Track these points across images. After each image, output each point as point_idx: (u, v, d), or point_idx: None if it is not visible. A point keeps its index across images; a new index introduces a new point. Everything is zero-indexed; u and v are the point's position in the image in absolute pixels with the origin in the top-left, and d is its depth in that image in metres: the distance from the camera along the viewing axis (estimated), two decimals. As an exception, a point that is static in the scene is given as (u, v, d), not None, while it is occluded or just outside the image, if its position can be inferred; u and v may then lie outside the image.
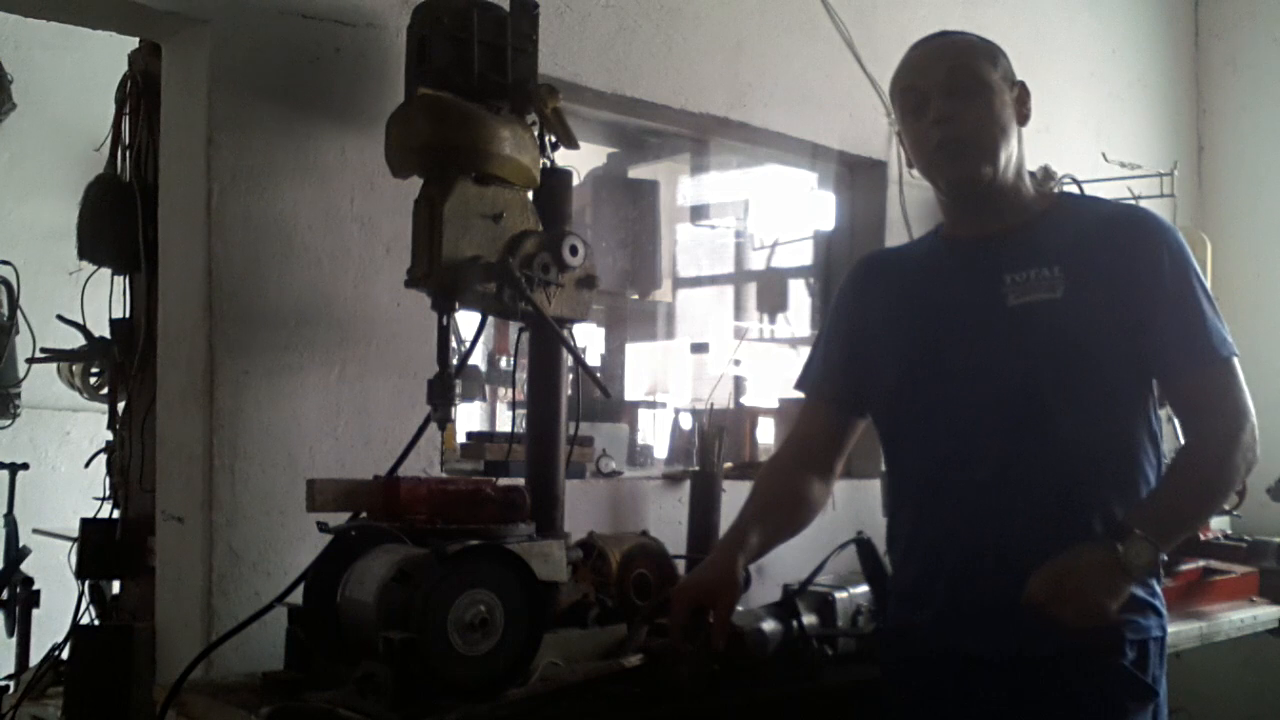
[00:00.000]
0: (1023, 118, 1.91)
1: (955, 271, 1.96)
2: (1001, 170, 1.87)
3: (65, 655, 2.42)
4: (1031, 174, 2.00)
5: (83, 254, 2.46)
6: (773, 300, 4.34)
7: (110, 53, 2.64)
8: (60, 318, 2.63)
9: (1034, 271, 1.85)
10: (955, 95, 1.85)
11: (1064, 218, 1.93)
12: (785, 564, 2.17)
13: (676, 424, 3.65)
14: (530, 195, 2.05)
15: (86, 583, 2.53)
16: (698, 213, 4.45)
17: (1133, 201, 3.69)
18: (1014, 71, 1.92)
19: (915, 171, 1.97)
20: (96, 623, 2.50)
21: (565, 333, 2.14)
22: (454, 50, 2.00)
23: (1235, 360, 1.84)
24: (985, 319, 1.88)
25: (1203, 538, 3.37)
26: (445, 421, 2.00)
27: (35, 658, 2.94)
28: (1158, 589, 1.89)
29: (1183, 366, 1.84)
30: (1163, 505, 1.81)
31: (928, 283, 1.99)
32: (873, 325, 2.04)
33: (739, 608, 1.95)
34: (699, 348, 4.55)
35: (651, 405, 4.21)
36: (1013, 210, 1.92)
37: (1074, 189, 3.56)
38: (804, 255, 3.99)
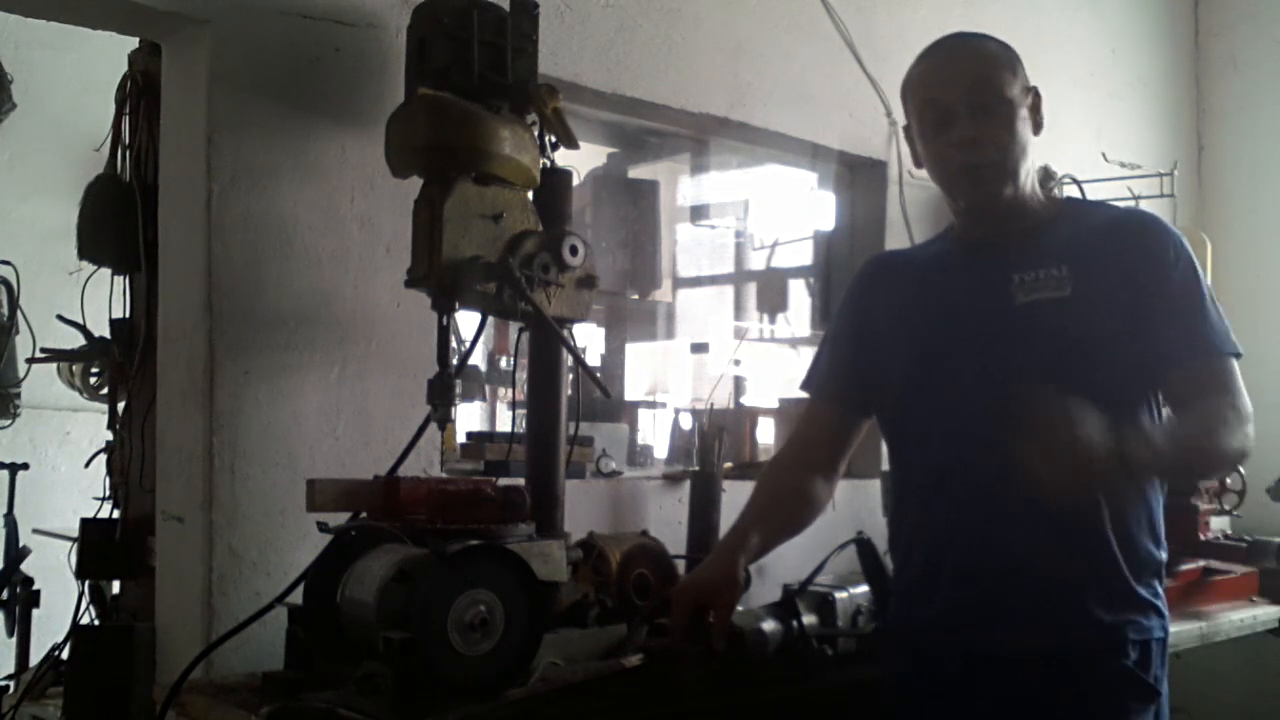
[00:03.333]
0: (1037, 126, 1.91)
1: (962, 272, 1.96)
2: (1020, 187, 1.89)
3: (65, 655, 2.42)
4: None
5: (83, 254, 2.46)
6: (773, 300, 4.33)
7: (110, 53, 2.63)
8: (60, 318, 2.63)
9: (1042, 271, 1.86)
10: (979, 114, 1.84)
11: (1071, 220, 1.94)
12: (785, 564, 2.17)
13: (676, 424, 3.64)
14: (530, 195, 2.05)
15: (86, 583, 2.53)
16: (698, 213, 4.45)
17: (1133, 202, 3.70)
18: (1028, 76, 1.92)
19: (915, 171, 1.97)
20: (96, 623, 2.50)
21: (565, 333, 2.14)
22: (454, 50, 2.00)
23: (1236, 361, 1.84)
24: (992, 318, 1.89)
25: (1203, 538, 3.37)
26: (445, 421, 2.00)
27: (35, 658, 2.94)
28: (1160, 589, 1.89)
29: (1183, 358, 1.83)
30: (1175, 438, 1.80)
31: (935, 283, 1.99)
32: (879, 325, 2.04)
33: (739, 608, 1.96)
34: (699, 348, 4.55)
35: (651, 405, 4.21)
36: (1023, 216, 1.92)
37: (1074, 189, 3.56)
38: (804, 255, 3.99)
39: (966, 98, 1.85)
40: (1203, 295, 1.85)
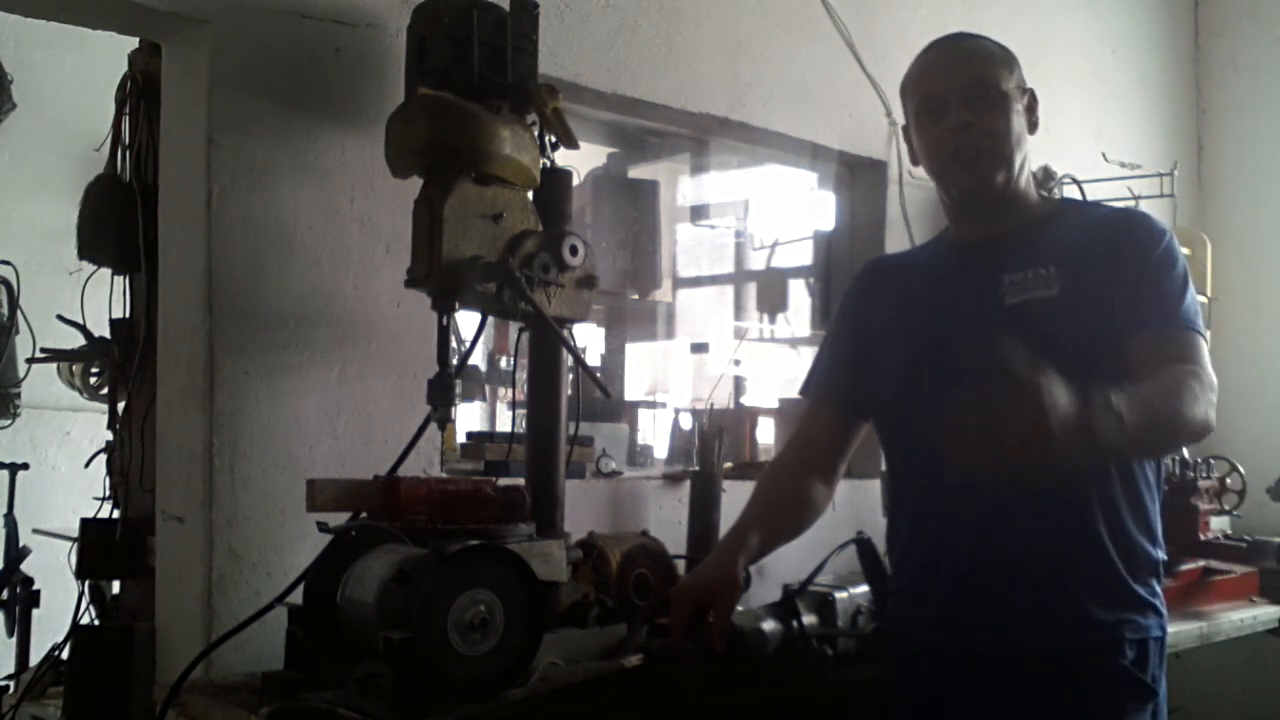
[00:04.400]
0: (1032, 126, 1.93)
1: (955, 273, 1.97)
2: (1013, 179, 1.89)
3: (65, 655, 2.42)
4: (1032, 174, 2.01)
5: (83, 254, 2.46)
6: (773, 300, 4.33)
7: (110, 53, 2.63)
8: (60, 318, 2.63)
9: (1031, 271, 1.86)
10: (973, 104, 1.86)
11: (1064, 220, 1.94)
12: (785, 564, 2.17)
13: (676, 424, 3.64)
14: (530, 195, 2.05)
15: (86, 583, 2.53)
16: (698, 213, 4.44)
17: (1133, 202, 3.70)
18: (1025, 79, 1.94)
19: (915, 170, 1.97)
20: (96, 623, 2.50)
21: (565, 333, 2.14)
22: (454, 50, 2.00)
23: (1200, 338, 1.79)
24: (983, 318, 1.88)
25: (1203, 538, 3.37)
26: (445, 421, 2.00)
27: (35, 658, 2.94)
28: (1158, 589, 1.89)
29: (1146, 324, 1.80)
30: (1139, 403, 1.64)
31: (929, 285, 2.00)
32: (875, 328, 2.05)
33: (739, 608, 1.96)
34: (699, 348, 4.54)
35: (651, 405, 4.20)
36: (1016, 214, 1.93)
37: (1074, 189, 3.56)
38: (804, 255, 3.99)
39: (961, 88, 1.87)
40: (1176, 276, 1.83)
